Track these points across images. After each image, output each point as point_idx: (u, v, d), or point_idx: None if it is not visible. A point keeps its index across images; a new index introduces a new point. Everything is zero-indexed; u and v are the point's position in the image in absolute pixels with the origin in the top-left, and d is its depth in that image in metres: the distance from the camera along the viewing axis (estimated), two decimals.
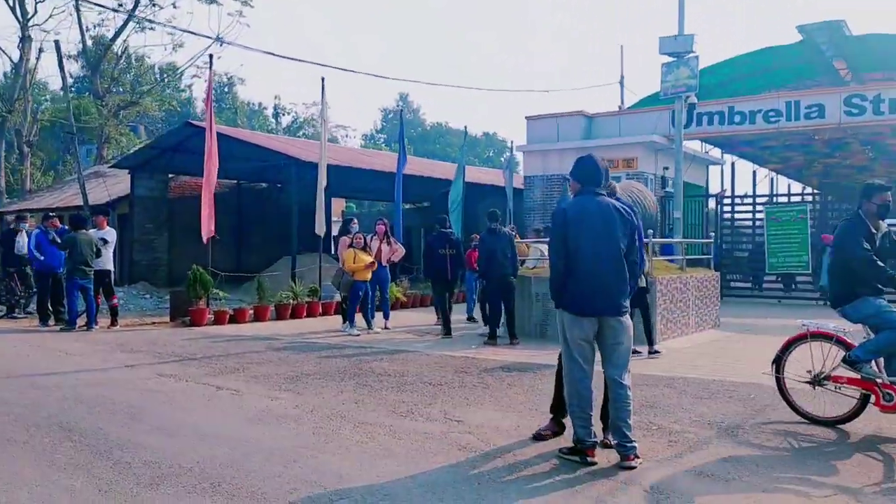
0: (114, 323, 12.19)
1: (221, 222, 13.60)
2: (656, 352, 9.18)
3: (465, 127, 21.84)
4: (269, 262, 20.32)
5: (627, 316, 4.92)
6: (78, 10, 29.92)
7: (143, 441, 5.21)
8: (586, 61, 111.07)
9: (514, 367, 8.29)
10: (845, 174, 29.64)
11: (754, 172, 29.66)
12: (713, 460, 4.75)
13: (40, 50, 30.25)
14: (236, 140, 19.01)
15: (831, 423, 5.61)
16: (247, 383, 7.37)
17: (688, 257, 12.34)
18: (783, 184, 32.68)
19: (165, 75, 39.78)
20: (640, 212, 10.40)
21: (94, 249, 11.86)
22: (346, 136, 52.67)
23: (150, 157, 20.84)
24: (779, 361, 5.91)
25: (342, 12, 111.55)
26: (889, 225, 5.80)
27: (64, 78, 19.84)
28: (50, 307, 12.74)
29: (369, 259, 11.53)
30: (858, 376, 5.43)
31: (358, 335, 11.12)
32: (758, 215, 19.90)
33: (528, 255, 12.43)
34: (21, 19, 28.56)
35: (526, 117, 21.33)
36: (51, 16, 62.38)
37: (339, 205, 33.93)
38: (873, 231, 5.57)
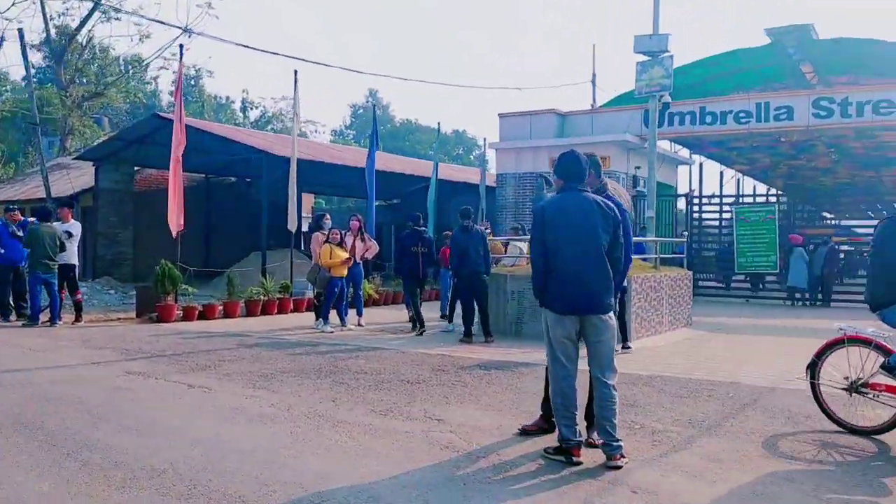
0: (78, 318, 11.88)
1: (189, 217, 13.31)
2: (628, 347, 9.29)
3: (439, 124, 21.72)
4: (238, 257, 20.01)
5: (611, 314, 4.87)
6: None
7: (114, 441, 5.02)
8: (560, 60, 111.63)
9: (491, 366, 8.22)
10: (809, 176, 30.18)
11: (721, 173, 30.01)
12: (698, 460, 4.72)
13: (2, 39, 29.46)
14: (205, 133, 18.66)
15: (868, 432, 5.31)
16: (219, 381, 7.18)
17: (661, 256, 12.40)
18: (749, 185, 33.18)
19: (131, 67, 38.98)
20: None
21: (58, 243, 11.53)
22: (315, 131, 52.16)
23: (115, 149, 20.39)
24: (814, 366, 5.61)
25: (325, 11, 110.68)
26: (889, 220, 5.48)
27: (27, 68, 19.29)
28: (12, 302, 12.35)
29: (346, 255, 11.39)
30: None
31: (331, 332, 10.97)
32: (725, 215, 20.18)
33: (504, 254, 12.39)
34: None
35: (499, 115, 21.30)
36: (13, 3, 60.67)
37: (308, 200, 33.58)
38: None
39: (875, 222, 6.99)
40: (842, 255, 18.76)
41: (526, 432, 5.27)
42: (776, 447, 5.05)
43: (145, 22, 30.03)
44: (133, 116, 39.17)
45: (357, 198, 32.13)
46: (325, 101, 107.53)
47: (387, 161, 23.26)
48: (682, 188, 25.11)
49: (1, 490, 4.10)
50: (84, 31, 31.61)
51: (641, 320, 10.50)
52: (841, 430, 5.41)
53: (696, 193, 22.70)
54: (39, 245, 11.31)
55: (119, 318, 12.64)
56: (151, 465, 4.52)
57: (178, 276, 12.43)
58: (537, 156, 20.06)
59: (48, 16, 30.79)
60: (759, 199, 25.06)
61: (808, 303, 17.59)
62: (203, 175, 23.71)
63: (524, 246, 12.37)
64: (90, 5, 28.71)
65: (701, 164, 27.12)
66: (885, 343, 5.33)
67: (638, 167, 20.09)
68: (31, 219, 12.50)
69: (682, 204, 24.49)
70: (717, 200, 21.61)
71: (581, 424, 4.88)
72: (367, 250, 12.26)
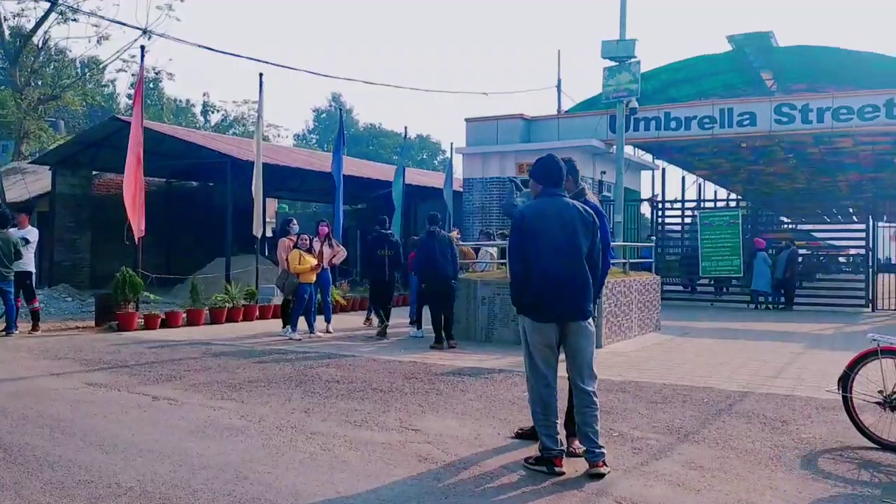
0: (35, 328, 11.49)
1: (150, 222, 12.97)
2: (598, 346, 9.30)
3: (406, 128, 21.60)
4: (201, 263, 19.59)
5: (591, 320, 4.81)
6: None
7: (77, 458, 4.80)
8: (525, 66, 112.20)
9: (464, 372, 8.12)
10: (768, 181, 30.78)
11: (683, 178, 30.51)
12: (680, 469, 4.67)
13: None
14: (167, 136, 18.30)
15: None
16: (185, 392, 6.96)
17: (630, 261, 12.45)
18: (710, 190, 33.70)
19: (88, 69, 38.12)
20: None
21: (14, 250, 11.14)
22: (279, 135, 51.42)
23: (72, 153, 19.86)
24: (846, 379, 5.32)
25: (288, 14, 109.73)
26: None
27: None
28: None
29: (315, 261, 11.22)
30: None
31: (300, 339, 10.77)
32: (687, 220, 20.42)
33: (475, 259, 12.33)
34: None
35: (466, 119, 21.28)
36: None
37: (271, 205, 33.17)
38: None
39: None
40: (800, 259, 19.08)
41: (521, 436, 5.27)
42: (756, 454, 5.03)
43: (104, 23, 29.14)
44: (90, 120, 38.29)
45: (321, 202, 31.83)
46: (288, 105, 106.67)
47: (353, 165, 23.05)
48: (645, 193, 25.41)
49: None
50: (40, 32, 30.72)
51: (612, 325, 10.51)
52: (872, 445, 5.16)
53: (660, 198, 22.96)
54: None
55: (78, 327, 12.25)
56: (117, 482, 4.32)
57: (140, 283, 12.10)
58: (504, 161, 20.07)
59: (2, 17, 29.89)
60: (720, 204, 25.39)
61: (770, 306, 17.86)
62: (164, 180, 23.23)
63: (495, 251, 12.32)
64: (47, 6, 27.92)
65: (664, 169, 27.49)
66: None
67: (604, 172, 20.24)
68: None
69: (644, 208, 24.81)
70: (678, 206, 21.87)
71: (561, 433, 4.81)
72: (334, 255, 12.10)
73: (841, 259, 33.42)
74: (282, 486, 4.29)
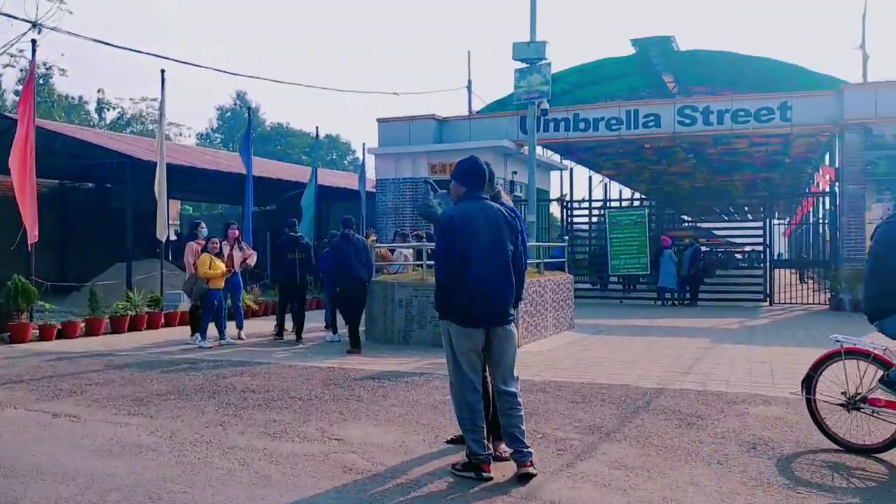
0: None
1: (43, 226, 12.20)
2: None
3: (317, 128, 21.24)
4: (100, 269, 18.59)
5: (514, 324, 4.79)
6: None
7: None
8: (435, 66, 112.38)
9: (383, 377, 7.99)
10: (670, 180, 31.98)
11: (590, 178, 31.29)
12: (606, 469, 4.70)
13: None
14: (59, 135, 17.31)
15: (867, 451, 4.98)
16: (88, 408, 6.54)
17: (544, 261, 12.60)
18: (615, 189, 34.72)
19: None
20: None
21: None
22: (181, 134, 49.49)
23: None
24: (810, 381, 5.25)
25: (188, 9, 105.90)
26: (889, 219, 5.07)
27: None
28: None
29: (225, 266, 10.83)
30: None
31: (210, 347, 10.36)
32: (595, 219, 20.93)
33: (391, 261, 12.21)
34: None
35: (378, 120, 21.08)
36: None
37: (174, 207, 31.95)
38: None
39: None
40: (702, 256, 19.86)
41: (454, 442, 5.21)
42: (675, 450, 5.13)
43: None
44: None
45: (227, 204, 30.91)
46: (191, 102, 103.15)
47: (262, 165, 22.47)
48: (555, 193, 25.91)
49: None
50: None
51: (528, 325, 10.60)
52: (839, 446, 5.11)
53: (569, 198, 23.44)
54: None
55: None
56: None
57: (34, 292, 11.38)
58: (417, 161, 20.02)
59: None
60: (626, 204, 26.15)
61: (677, 302, 18.50)
62: (56, 181, 21.96)
63: (410, 253, 12.23)
64: None
65: (571, 170, 28.13)
66: (883, 356, 5.02)
67: (514, 172, 20.47)
68: None
69: (554, 208, 25.29)
70: (585, 205, 22.39)
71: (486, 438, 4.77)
72: (245, 259, 11.72)
73: (738, 255, 35.12)
74: None
